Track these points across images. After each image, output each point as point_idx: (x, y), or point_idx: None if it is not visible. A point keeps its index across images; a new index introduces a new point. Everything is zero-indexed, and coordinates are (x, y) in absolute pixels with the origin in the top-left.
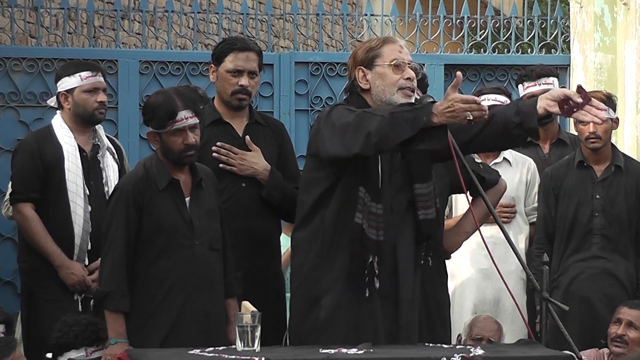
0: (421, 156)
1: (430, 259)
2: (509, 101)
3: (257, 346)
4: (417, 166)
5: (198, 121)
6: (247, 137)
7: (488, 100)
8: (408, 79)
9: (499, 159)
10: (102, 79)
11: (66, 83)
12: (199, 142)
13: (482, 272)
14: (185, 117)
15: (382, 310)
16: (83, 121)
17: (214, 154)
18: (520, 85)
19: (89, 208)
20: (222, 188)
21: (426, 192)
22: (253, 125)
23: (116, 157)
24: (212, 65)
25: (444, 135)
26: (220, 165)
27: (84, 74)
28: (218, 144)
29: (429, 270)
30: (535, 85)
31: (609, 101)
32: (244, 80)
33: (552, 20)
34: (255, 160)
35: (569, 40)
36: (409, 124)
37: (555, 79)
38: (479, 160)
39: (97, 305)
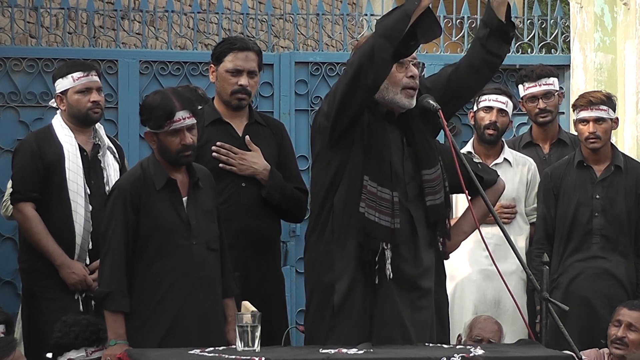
0: (427, 143)
1: (441, 245)
2: (510, 102)
3: (257, 346)
4: (423, 153)
5: (195, 121)
6: (247, 137)
7: (489, 100)
8: (411, 77)
9: (500, 160)
10: (95, 77)
11: (60, 85)
12: (196, 143)
13: (482, 272)
14: (183, 117)
15: (400, 296)
16: (79, 122)
17: (214, 154)
18: (520, 86)
19: (90, 207)
20: (221, 188)
21: (433, 177)
22: (253, 125)
23: (117, 156)
24: (212, 65)
25: (436, 23)
26: (220, 165)
27: (76, 74)
28: (218, 143)
29: None
30: (536, 85)
31: (609, 101)
32: (243, 80)
33: (552, 20)
34: (255, 160)
35: (569, 40)
36: (402, 13)
37: (556, 79)
38: (478, 160)
39: (97, 305)
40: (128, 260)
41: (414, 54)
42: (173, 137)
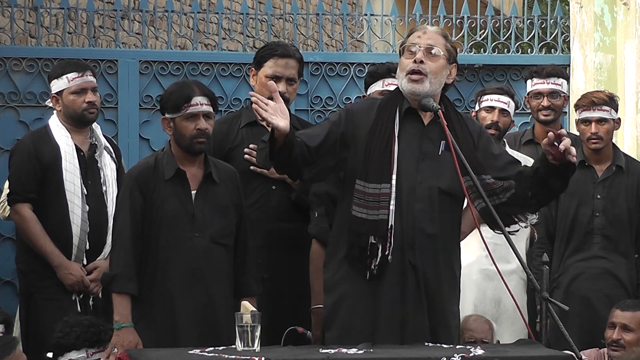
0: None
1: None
2: (512, 102)
3: (257, 346)
4: (448, 161)
5: (212, 110)
6: None
7: (490, 100)
8: (414, 61)
9: None
10: (90, 77)
11: (55, 85)
12: (211, 132)
13: (482, 272)
14: (200, 102)
15: (393, 288)
16: (75, 122)
17: (246, 156)
18: (529, 81)
19: (87, 208)
20: (252, 190)
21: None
22: None
23: (113, 156)
24: (252, 68)
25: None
26: (252, 167)
27: (71, 75)
28: (251, 146)
29: None
30: (544, 83)
31: (611, 101)
32: (281, 87)
33: (552, 20)
34: None
35: (569, 40)
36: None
37: (565, 81)
38: None
39: (104, 289)
40: (136, 246)
41: (430, 41)
42: (188, 121)
